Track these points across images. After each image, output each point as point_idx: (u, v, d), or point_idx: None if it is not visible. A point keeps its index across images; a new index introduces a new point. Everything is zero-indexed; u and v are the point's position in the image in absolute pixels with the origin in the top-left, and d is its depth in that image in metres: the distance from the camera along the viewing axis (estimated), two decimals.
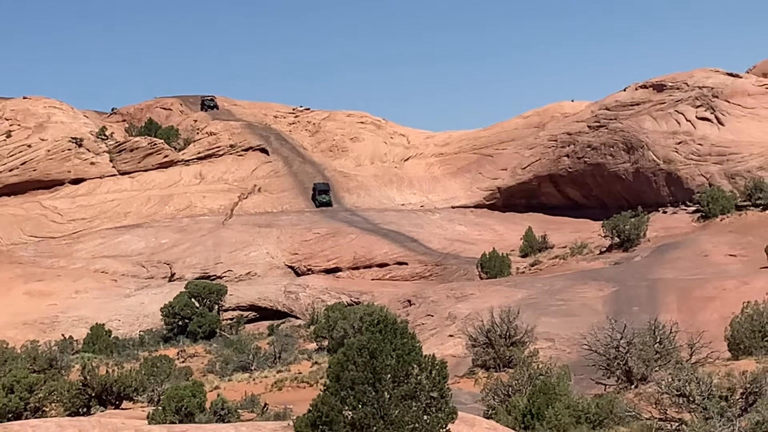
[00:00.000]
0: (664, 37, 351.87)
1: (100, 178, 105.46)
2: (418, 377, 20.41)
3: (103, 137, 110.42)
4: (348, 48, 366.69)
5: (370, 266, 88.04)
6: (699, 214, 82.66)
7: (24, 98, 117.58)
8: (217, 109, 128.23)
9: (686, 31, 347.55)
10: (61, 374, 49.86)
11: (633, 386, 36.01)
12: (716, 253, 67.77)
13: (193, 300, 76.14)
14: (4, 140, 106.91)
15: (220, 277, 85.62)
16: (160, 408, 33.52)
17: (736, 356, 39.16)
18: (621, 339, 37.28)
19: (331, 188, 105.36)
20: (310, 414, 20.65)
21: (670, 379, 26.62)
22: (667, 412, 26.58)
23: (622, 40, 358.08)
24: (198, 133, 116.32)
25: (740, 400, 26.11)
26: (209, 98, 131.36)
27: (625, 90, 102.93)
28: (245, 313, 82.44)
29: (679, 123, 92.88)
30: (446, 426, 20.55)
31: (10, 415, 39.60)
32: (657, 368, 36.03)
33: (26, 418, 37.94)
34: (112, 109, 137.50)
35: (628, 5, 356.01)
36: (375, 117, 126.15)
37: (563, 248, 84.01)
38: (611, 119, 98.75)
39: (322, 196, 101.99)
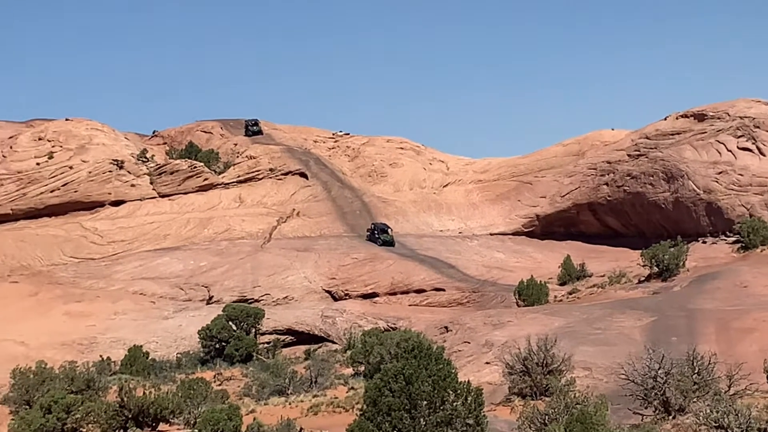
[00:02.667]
0: (706, 67, 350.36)
1: (140, 200, 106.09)
2: (454, 404, 20.36)
3: (143, 159, 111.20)
4: (389, 74, 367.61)
5: (407, 292, 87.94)
6: (739, 245, 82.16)
7: (66, 120, 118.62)
8: (261, 134, 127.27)
9: (728, 60, 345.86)
10: (99, 395, 50.15)
11: (671, 417, 35.76)
12: (756, 285, 67.12)
13: (230, 323, 76.25)
14: (46, 161, 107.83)
15: (257, 301, 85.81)
16: (196, 430, 33.60)
17: None
18: (659, 369, 37.07)
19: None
20: None
21: (708, 411, 26.45)
22: None
23: (663, 69, 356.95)
24: (238, 157, 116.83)
25: None
26: (253, 122, 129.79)
27: (665, 119, 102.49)
28: (282, 337, 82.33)
29: (719, 153, 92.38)
30: None
31: None
32: (695, 399, 35.81)
33: None
34: (153, 132, 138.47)
35: (670, 35, 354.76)
36: (414, 143, 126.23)
37: (602, 277, 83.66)
38: (651, 148, 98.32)
39: (384, 235, 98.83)
